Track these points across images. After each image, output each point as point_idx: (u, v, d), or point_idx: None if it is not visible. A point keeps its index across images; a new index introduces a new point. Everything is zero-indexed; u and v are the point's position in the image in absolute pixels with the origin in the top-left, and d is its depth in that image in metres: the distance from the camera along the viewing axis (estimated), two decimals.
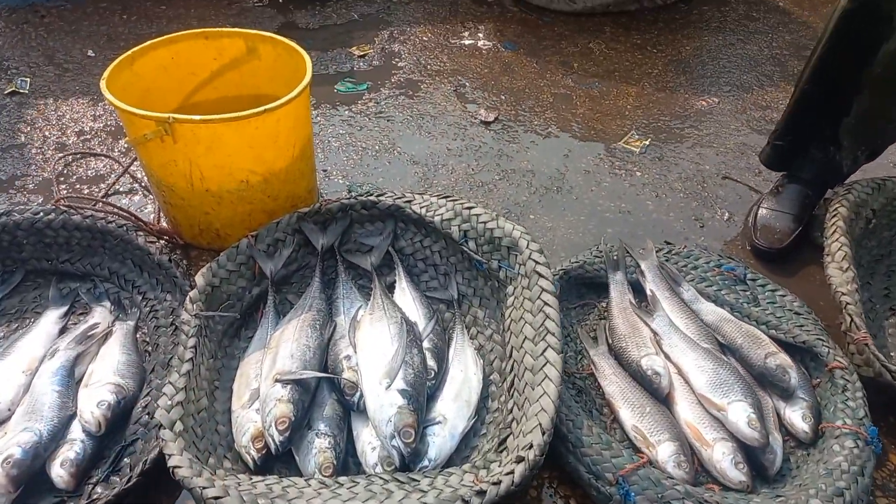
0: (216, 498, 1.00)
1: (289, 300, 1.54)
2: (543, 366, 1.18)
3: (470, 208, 1.48)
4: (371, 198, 1.59)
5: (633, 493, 1.09)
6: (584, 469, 1.15)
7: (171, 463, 1.06)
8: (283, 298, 1.54)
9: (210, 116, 1.42)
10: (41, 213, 1.56)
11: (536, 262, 1.33)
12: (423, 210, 1.54)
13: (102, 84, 1.49)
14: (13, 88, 2.36)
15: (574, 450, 1.17)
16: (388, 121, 2.23)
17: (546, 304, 1.26)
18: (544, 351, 1.20)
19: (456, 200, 1.52)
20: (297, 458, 1.21)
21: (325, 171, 2.01)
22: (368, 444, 1.22)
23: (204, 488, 1.01)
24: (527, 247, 1.36)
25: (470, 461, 1.20)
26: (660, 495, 1.08)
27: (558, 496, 1.20)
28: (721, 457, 1.18)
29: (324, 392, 1.30)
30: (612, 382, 1.34)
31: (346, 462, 1.23)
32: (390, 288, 1.54)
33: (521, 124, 2.22)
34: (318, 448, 1.19)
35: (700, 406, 1.27)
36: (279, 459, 1.22)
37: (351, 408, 1.27)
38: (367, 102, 2.33)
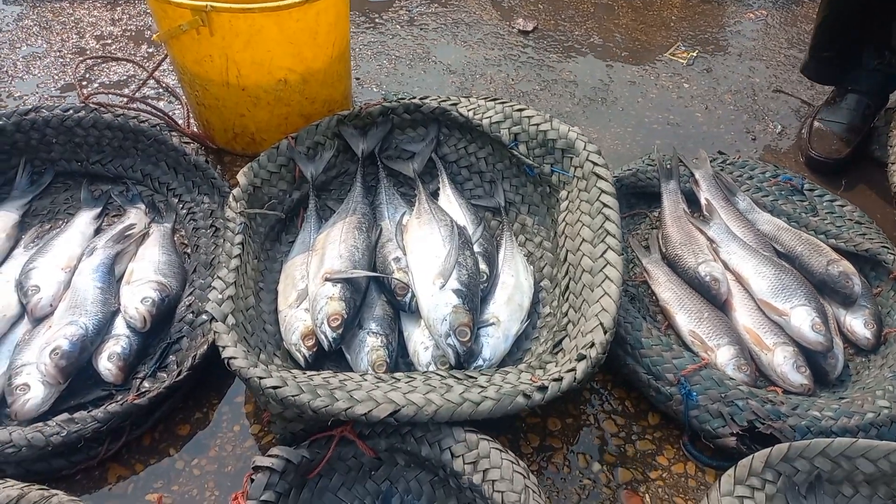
0: (274, 388, 0.98)
1: (329, 206, 1.50)
2: (603, 267, 1.14)
3: (521, 110, 1.41)
4: (414, 101, 1.52)
5: (695, 393, 1.07)
6: (644, 370, 1.13)
7: (226, 354, 1.03)
8: (323, 204, 1.49)
9: (249, 6, 1.34)
10: (70, 111, 1.50)
11: (595, 164, 1.27)
12: (471, 113, 1.47)
13: None
14: None
15: (633, 351, 1.15)
16: (421, 29, 2.13)
17: (605, 205, 1.21)
18: (604, 252, 1.16)
19: (505, 103, 1.45)
20: (349, 357, 1.19)
21: (357, 79, 1.93)
22: (421, 343, 1.19)
23: (261, 378, 0.99)
24: (584, 148, 1.30)
25: (524, 363, 1.18)
26: (723, 395, 1.06)
27: (612, 398, 1.19)
28: (782, 360, 1.15)
29: (373, 294, 1.27)
30: (667, 289, 1.30)
31: (398, 364, 1.21)
32: (434, 195, 1.49)
33: (561, 34, 2.12)
34: (371, 346, 1.17)
35: (759, 312, 1.24)
36: (329, 358, 1.20)
37: (402, 308, 1.24)
38: (399, 10, 2.22)
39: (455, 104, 1.50)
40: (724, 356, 1.16)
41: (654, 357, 1.12)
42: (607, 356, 1.13)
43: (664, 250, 1.39)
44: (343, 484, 1.04)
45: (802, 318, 1.17)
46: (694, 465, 1.09)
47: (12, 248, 1.39)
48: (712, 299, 1.27)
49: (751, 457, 0.93)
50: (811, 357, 1.18)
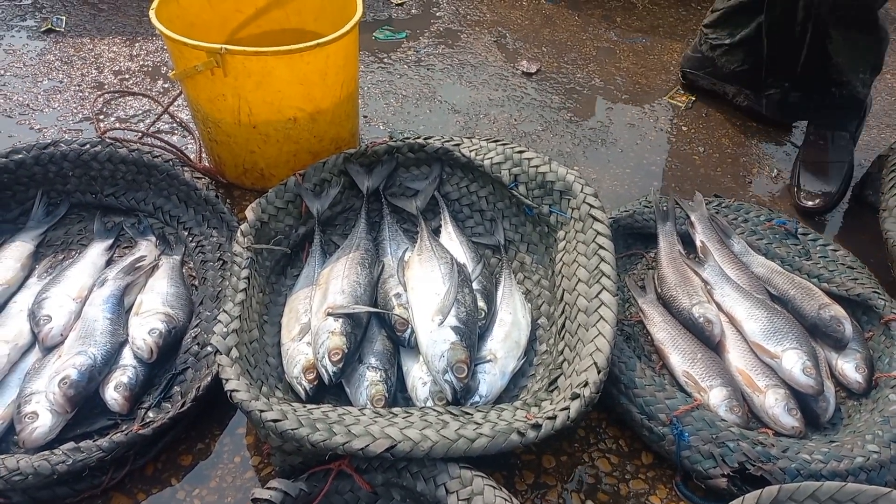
0: (275, 420, 1.00)
1: (333, 241, 1.54)
2: (598, 307, 1.17)
3: (521, 152, 1.46)
4: (419, 140, 1.57)
5: (686, 434, 1.09)
6: (637, 410, 1.15)
7: (228, 387, 1.06)
8: (327, 239, 1.53)
9: (262, 49, 1.40)
10: (87, 145, 1.55)
11: (591, 206, 1.31)
12: (473, 153, 1.52)
13: (152, 14, 1.46)
14: (49, 26, 2.34)
15: (627, 391, 1.17)
16: (427, 69, 2.19)
17: (601, 247, 1.25)
18: (599, 293, 1.19)
19: (506, 144, 1.50)
20: (349, 391, 1.22)
21: (365, 117, 1.99)
22: (419, 379, 1.22)
23: (262, 411, 1.02)
24: (581, 191, 1.35)
25: (520, 400, 1.21)
26: (714, 436, 1.08)
27: (607, 436, 1.21)
28: (774, 402, 1.17)
29: (374, 329, 1.30)
30: (662, 329, 1.33)
31: (396, 398, 1.24)
32: (435, 232, 1.53)
33: (563, 76, 2.18)
34: (370, 381, 1.20)
35: (752, 354, 1.26)
36: (329, 392, 1.23)
37: (402, 344, 1.27)
38: (406, 51, 2.29)
39: (458, 145, 1.55)
40: (716, 397, 1.18)
41: (647, 397, 1.14)
42: (602, 395, 1.16)
43: (659, 291, 1.42)
44: None
45: (794, 361, 1.19)
46: None
47: (26, 278, 1.43)
48: (706, 340, 1.29)
49: (741, 498, 0.95)
50: (803, 400, 1.20)
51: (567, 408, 1.05)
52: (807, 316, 1.31)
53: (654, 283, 1.44)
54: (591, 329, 1.16)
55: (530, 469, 1.16)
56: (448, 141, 1.56)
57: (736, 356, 1.26)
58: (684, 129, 1.98)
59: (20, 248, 1.47)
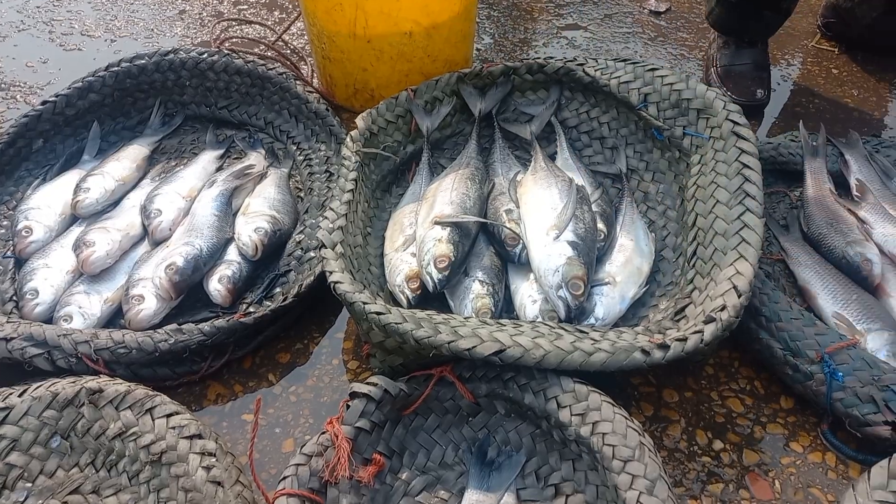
0: (378, 313, 0.94)
1: (441, 164, 1.46)
2: (740, 229, 1.03)
3: (653, 70, 1.33)
4: (538, 60, 1.47)
5: (840, 373, 0.94)
6: (780, 345, 1.01)
7: (332, 279, 1.01)
8: (435, 162, 1.46)
9: None
10: (205, 54, 1.56)
11: (735, 123, 1.16)
12: (598, 73, 1.40)
13: None
14: None
15: (768, 324, 1.03)
16: (547, 6, 2.08)
17: (746, 165, 1.10)
18: (741, 214, 1.05)
19: (636, 63, 1.37)
20: (452, 304, 1.14)
21: (478, 49, 1.90)
22: (529, 297, 1.13)
23: (366, 303, 0.96)
24: (723, 107, 1.20)
25: (641, 326, 1.09)
26: (875, 378, 0.92)
27: (740, 376, 1.07)
28: None
29: (481, 244, 1.22)
30: (809, 268, 1.17)
31: (502, 317, 1.15)
32: (551, 158, 1.42)
33: (696, 16, 2.00)
34: (476, 293, 1.12)
35: None
36: (432, 304, 1.16)
37: (511, 260, 1.18)
38: None
39: (581, 64, 1.43)
40: (876, 341, 1.01)
41: (793, 331, 1.00)
42: (736, 331, 1.02)
43: (806, 230, 1.25)
44: (439, 426, 0.99)
45: None
46: (834, 456, 0.95)
47: (141, 179, 1.45)
48: (862, 282, 1.12)
49: None
50: None
51: (700, 331, 0.92)
52: None
53: (800, 221, 1.27)
54: (729, 252, 1.02)
55: (649, 402, 1.04)
56: (570, 61, 1.45)
57: None
58: (834, 71, 1.76)
59: (136, 151, 1.49)
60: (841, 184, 1.34)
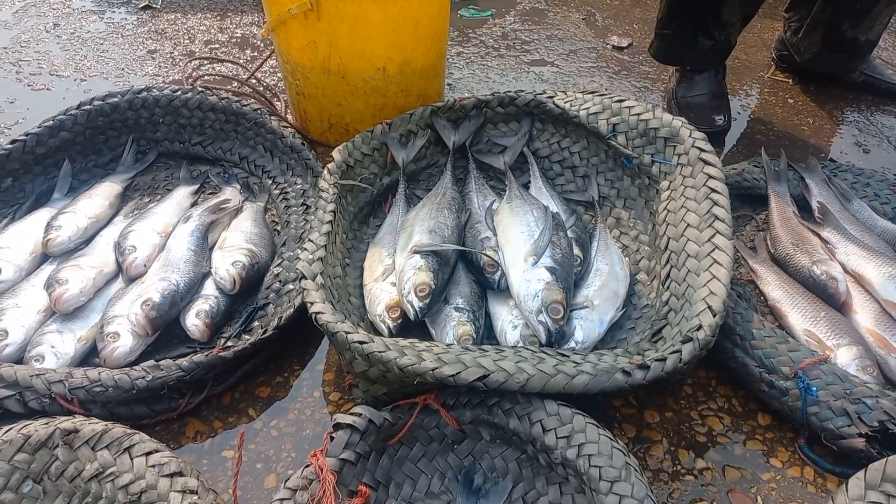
0: (361, 342, 0.94)
1: (416, 195, 1.48)
2: (711, 251, 1.07)
3: (621, 101, 1.38)
4: (509, 94, 1.51)
5: (814, 388, 0.96)
6: (755, 363, 1.03)
7: (313, 310, 1.01)
8: (411, 193, 1.48)
9: None
10: (179, 92, 1.56)
11: (701, 150, 1.21)
12: (567, 105, 1.44)
13: None
14: (146, 3, 2.42)
15: (743, 342, 1.05)
16: (513, 42, 2.14)
17: (713, 190, 1.14)
18: (712, 237, 1.08)
19: (604, 95, 1.42)
20: (434, 332, 1.15)
21: (449, 84, 1.94)
22: (509, 322, 1.14)
23: (349, 333, 0.96)
24: (690, 135, 1.25)
25: (620, 349, 1.10)
26: (848, 391, 0.95)
27: (717, 394, 1.09)
28: None
29: (460, 272, 1.23)
30: (778, 288, 1.20)
31: (484, 344, 1.15)
32: (524, 188, 1.45)
33: None
34: (458, 320, 1.12)
35: (884, 314, 1.12)
36: (413, 332, 1.16)
37: (491, 286, 1.19)
38: (492, 27, 2.25)
39: (551, 97, 1.47)
40: (845, 356, 1.04)
41: (767, 349, 1.03)
42: (711, 351, 1.04)
43: (773, 251, 1.29)
44: (424, 455, 0.98)
45: None
46: (813, 470, 0.97)
47: (113, 216, 1.43)
48: (829, 300, 1.16)
49: (884, 460, 0.82)
50: None
51: (679, 350, 0.94)
52: None
53: (767, 243, 1.32)
54: (702, 274, 1.05)
55: (631, 423, 1.05)
56: (541, 94, 1.49)
57: (865, 316, 1.13)
58: (790, 101, 1.84)
59: (109, 188, 1.47)
60: (803, 206, 1.39)
